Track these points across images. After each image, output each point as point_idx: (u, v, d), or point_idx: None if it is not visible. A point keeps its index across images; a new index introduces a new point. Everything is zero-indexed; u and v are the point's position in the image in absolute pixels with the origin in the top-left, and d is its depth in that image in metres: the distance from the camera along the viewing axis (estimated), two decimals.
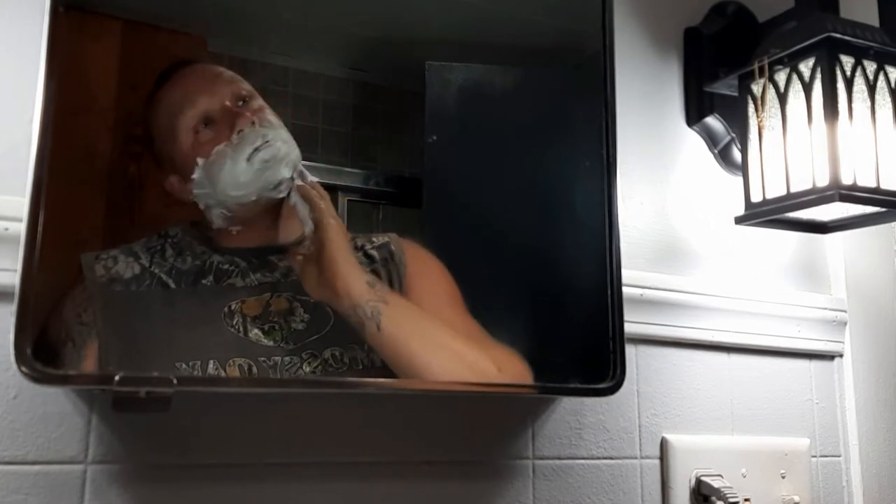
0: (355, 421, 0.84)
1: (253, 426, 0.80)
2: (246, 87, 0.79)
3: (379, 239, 0.84)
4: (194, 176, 0.75)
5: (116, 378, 0.65)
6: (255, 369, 0.73)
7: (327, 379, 0.76)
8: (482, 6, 0.94)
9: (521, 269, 0.91)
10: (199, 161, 0.75)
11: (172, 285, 0.74)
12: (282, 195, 0.77)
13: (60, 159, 0.67)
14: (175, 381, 0.67)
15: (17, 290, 0.64)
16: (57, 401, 0.72)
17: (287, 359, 0.75)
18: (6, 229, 0.70)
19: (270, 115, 0.78)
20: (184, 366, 0.71)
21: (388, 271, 0.82)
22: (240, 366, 0.73)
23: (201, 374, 0.71)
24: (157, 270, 0.74)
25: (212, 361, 0.72)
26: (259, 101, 0.78)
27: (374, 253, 0.83)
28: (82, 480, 0.72)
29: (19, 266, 0.64)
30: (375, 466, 0.85)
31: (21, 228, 0.65)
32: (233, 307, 0.75)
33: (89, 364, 0.68)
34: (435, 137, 0.87)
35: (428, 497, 0.87)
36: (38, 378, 0.64)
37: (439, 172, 0.88)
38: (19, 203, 0.67)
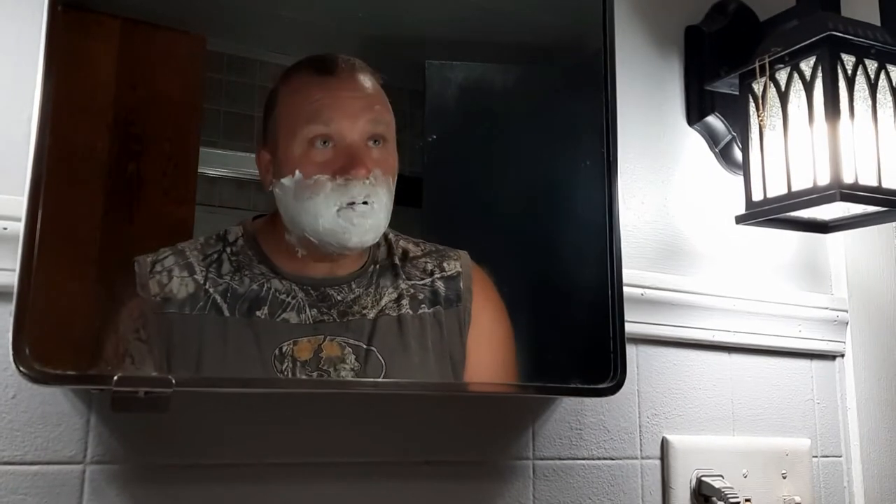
0: (355, 421, 0.84)
1: (253, 426, 0.79)
2: (386, 124, 0.76)
3: (451, 266, 0.81)
4: (284, 181, 0.73)
5: (115, 378, 0.65)
6: None
7: (327, 380, 0.76)
8: (482, 4, 0.94)
9: (521, 269, 0.91)
10: (297, 173, 0.73)
11: (226, 312, 0.71)
12: (346, 255, 0.75)
13: (59, 158, 0.67)
14: (173, 382, 0.67)
15: (15, 290, 0.64)
16: (55, 401, 0.72)
17: None
18: (4, 229, 0.70)
19: (387, 177, 0.75)
20: None
21: (452, 319, 0.80)
22: None
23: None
24: (211, 289, 0.71)
25: None
26: (389, 148, 0.76)
27: (441, 287, 0.80)
28: (81, 480, 0.72)
29: (18, 265, 0.64)
30: (375, 466, 0.84)
31: (19, 228, 0.65)
32: (284, 349, 0.72)
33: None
34: (435, 136, 0.87)
35: (428, 497, 0.87)
36: (36, 378, 0.64)
37: (439, 172, 0.88)
38: (18, 202, 0.67)
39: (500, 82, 0.94)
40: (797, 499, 1.08)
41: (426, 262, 0.80)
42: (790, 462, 1.10)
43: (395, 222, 0.85)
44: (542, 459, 0.94)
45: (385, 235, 0.79)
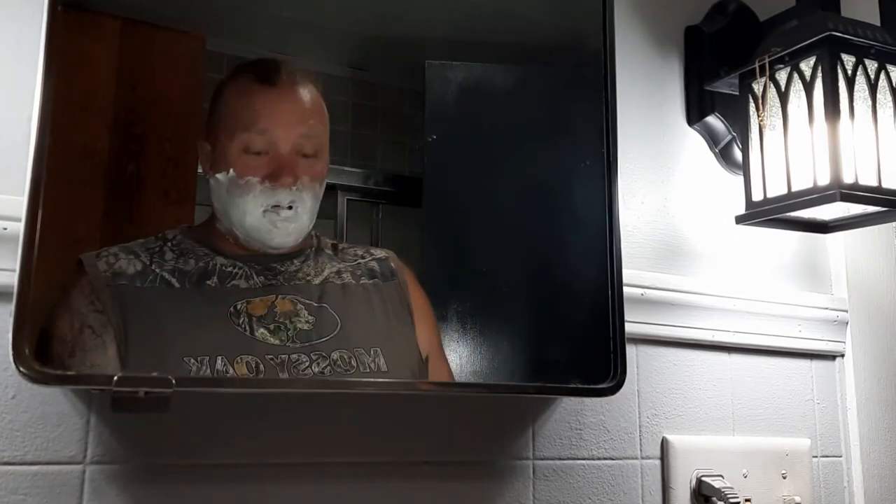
0: (355, 421, 0.84)
1: (253, 426, 0.79)
2: (318, 138, 0.80)
3: (378, 252, 0.85)
4: (219, 176, 0.77)
5: (115, 378, 0.65)
6: (262, 366, 0.73)
7: (326, 379, 0.76)
8: (482, 4, 0.94)
9: (521, 269, 0.91)
10: (231, 172, 0.76)
11: (177, 285, 0.74)
12: (273, 253, 0.78)
13: (59, 158, 0.67)
14: (174, 382, 0.66)
15: (15, 290, 0.64)
16: (55, 401, 0.72)
17: (294, 356, 0.75)
18: (4, 229, 0.70)
19: (314, 184, 0.79)
20: (193, 361, 0.71)
21: (391, 290, 0.83)
22: (247, 363, 0.73)
23: (209, 371, 0.71)
24: (158, 269, 0.74)
25: (220, 358, 0.72)
26: (320, 158, 0.79)
27: (376, 266, 0.84)
28: (81, 481, 0.72)
29: (18, 266, 0.64)
30: (375, 466, 0.84)
31: (19, 228, 0.65)
32: (238, 307, 0.76)
33: (113, 350, 0.69)
34: (435, 136, 0.87)
35: (428, 497, 0.87)
36: (36, 378, 0.64)
37: (439, 172, 0.88)
38: (18, 202, 0.67)
39: (500, 82, 0.94)
40: (797, 499, 1.08)
41: (355, 250, 0.85)
42: (790, 462, 1.10)
43: (395, 222, 0.86)
44: (542, 459, 0.94)
45: (313, 234, 0.83)
